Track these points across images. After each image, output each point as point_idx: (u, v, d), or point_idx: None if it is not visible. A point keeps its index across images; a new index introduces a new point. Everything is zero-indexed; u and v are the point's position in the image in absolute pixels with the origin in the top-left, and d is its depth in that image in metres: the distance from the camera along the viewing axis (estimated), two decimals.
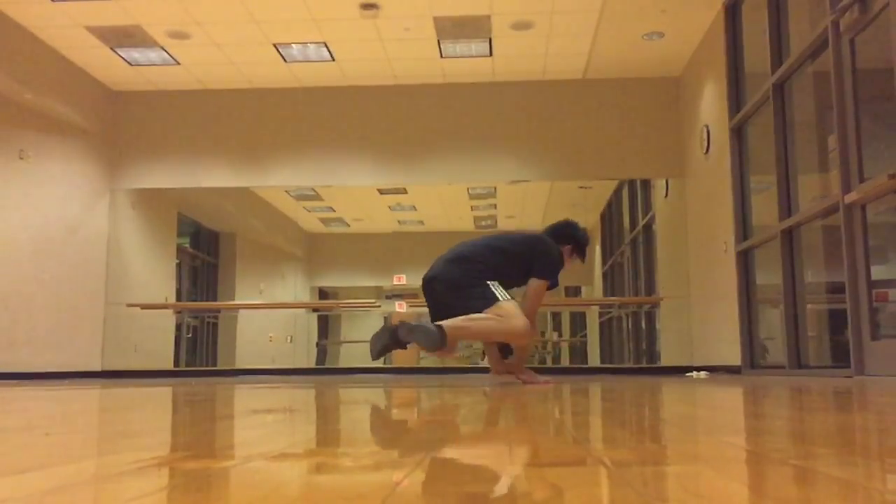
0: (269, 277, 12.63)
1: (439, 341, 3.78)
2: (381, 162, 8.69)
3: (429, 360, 10.83)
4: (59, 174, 8.11)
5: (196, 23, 7.11)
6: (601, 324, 12.03)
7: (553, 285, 4.35)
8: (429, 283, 4.22)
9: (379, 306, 11.14)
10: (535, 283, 4.21)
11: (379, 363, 10.65)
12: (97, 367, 8.26)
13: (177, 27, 7.21)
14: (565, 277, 4.61)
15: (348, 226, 12.92)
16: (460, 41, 7.54)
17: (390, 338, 3.98)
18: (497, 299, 4.01)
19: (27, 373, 7.26)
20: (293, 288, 12.71)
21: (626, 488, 0.75)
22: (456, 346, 4.18)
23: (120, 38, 7.44)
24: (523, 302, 4.23)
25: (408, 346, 4.01)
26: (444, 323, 3.89)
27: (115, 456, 1.06)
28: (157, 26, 7.19)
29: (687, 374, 6.42)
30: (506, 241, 4.33)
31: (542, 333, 12.37)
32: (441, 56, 7.86)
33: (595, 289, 12.99)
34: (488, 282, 4.07)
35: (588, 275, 13.62)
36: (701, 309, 7.69)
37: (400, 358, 9.44)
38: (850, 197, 4.24)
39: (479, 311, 3.98)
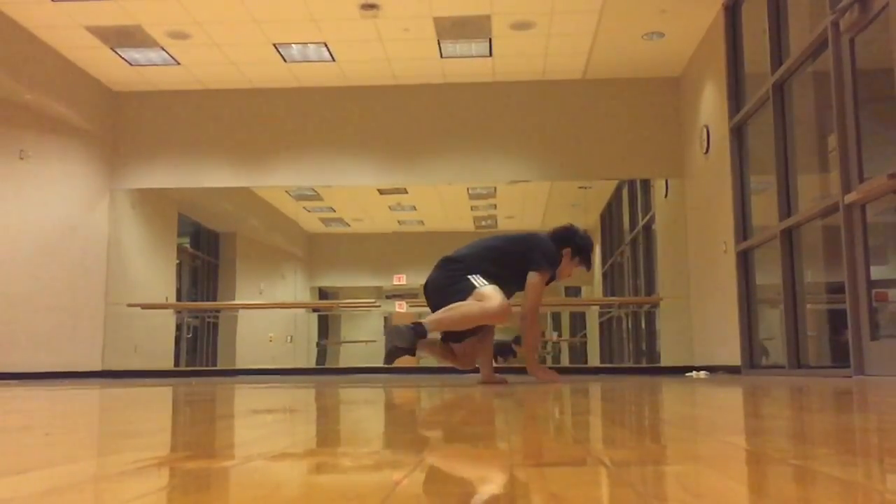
0: (270, 277, 12.63)
1: (412, 338, 3.91)
2: (381, 162, 8.68)
3: (428, 361, 10.82)
4: (59, 174, 8.10)
5: (196, 23, 7.11)
6: (601, 324, 12.03)
7: (551, 278, 4.39)
8: (424, 289, 4.43)
9: (379, 306, 11.14)
10: (532, 277, 4.26)
11: (378, 363, 10.64)
12: (97, 367, 8.26)
13: (177, 27, 7.21)
14: (567, 279, 4.64)
15: (348, 226, 12.92)
16: (460, 41, 7.54)
17: (390, 343, 4.05)
18: (475, 287, 4.10)
19: (27, 373, 7.26)
20: (293, 288, 12.71)
21: (625, 488, 0.75)
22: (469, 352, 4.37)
23: (120, 38, 7.44)
24: (524, 299, 4.29)
25: (417, 352, 4.09)
26: (423, 319, 4.03)
27: (115, 456, 1.06)
28: (157, 26, 7.19)
29: (687, 374, 6.42)
30: (501, 240, 4.45)
31: (543, 333, 12.37)
32: (441, 56, 7.86)
33: (595, 289, 12.99)
34: (469, 276, 4.16)
35: (588, 275, 13.61)
36: (701, 309, 7.68)
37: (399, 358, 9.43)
38: (850, 197, 4.24)
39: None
